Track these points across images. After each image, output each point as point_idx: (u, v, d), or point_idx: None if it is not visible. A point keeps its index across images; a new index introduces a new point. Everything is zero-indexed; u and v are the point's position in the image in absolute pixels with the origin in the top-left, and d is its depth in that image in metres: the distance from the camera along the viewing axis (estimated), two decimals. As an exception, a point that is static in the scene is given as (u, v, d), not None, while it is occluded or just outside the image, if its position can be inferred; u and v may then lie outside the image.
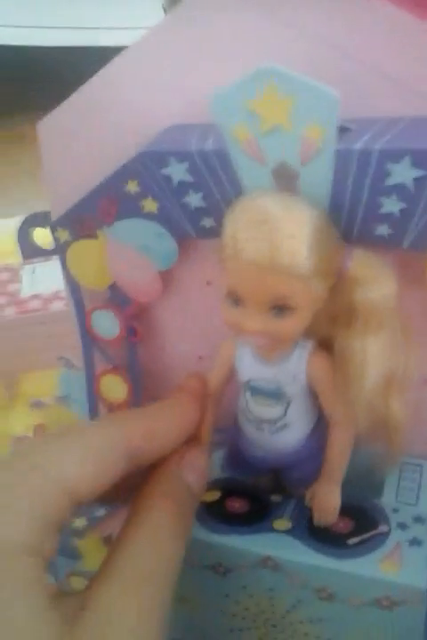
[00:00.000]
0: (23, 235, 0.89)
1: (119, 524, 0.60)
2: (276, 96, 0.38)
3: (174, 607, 0.55)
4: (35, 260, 0.89)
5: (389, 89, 0.43)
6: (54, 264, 0.87)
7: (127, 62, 0.49)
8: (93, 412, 0.61)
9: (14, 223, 0.92)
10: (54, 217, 0.53)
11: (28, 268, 0.88)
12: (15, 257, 0.91)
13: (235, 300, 0.42)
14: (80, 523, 0.60)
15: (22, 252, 0.90)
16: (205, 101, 0.42)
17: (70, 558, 0.58)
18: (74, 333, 0.66)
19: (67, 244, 0.53)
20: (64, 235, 0.52)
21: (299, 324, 0.42)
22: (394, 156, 0.39)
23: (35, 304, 0.80)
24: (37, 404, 0.67)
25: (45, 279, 0.85)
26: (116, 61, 0.49)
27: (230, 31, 0.47)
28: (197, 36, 0.48)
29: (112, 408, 0.60)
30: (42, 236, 0.91)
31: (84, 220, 0.50)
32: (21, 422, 0.75)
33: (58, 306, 0.80)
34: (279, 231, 0.39)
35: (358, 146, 0.40)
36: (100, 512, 0.61)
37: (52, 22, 1.52)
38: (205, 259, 0.52)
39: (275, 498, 0.53)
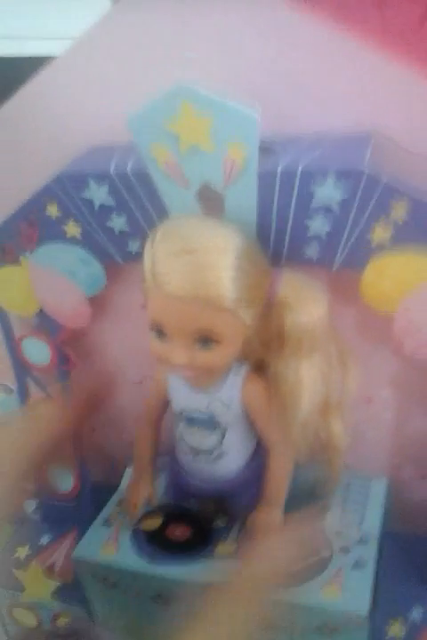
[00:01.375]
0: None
1: (62, 553, 0.57)
2: (194, 115, 0.35)
3: (122, 636, 0.53)
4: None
5: (313, 106, 0.40)
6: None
7: (54, 75, 0.45)
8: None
9: None
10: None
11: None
12: None
13: (159, 332, 0.38)
14: (22, 552, 0.57)
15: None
16: (128, 121, 0.38)
17: (12, 590, 0.55)
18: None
19: (-9, 270, 0.48)
20: (-12, 260, 0.48)
21: (227, 355, 0.39)
22: (318, 176, 0.36)
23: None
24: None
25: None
26: (43, 74, 0.45)
27: (158, 44, 0.43)
28: (125, 48, 0.44)
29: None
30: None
31: (5, 246, 0.46)
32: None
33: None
34: (201, 262, 0.36)
35: (281, 167, 0.37)
36: (44, 540, 0.58)
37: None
38: (138, 282, 0.48)
39: (219, 522, 0.50)
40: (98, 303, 0.49)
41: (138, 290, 0.49)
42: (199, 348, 0.38)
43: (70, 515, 0.58)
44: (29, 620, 0.56)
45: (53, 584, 0.53)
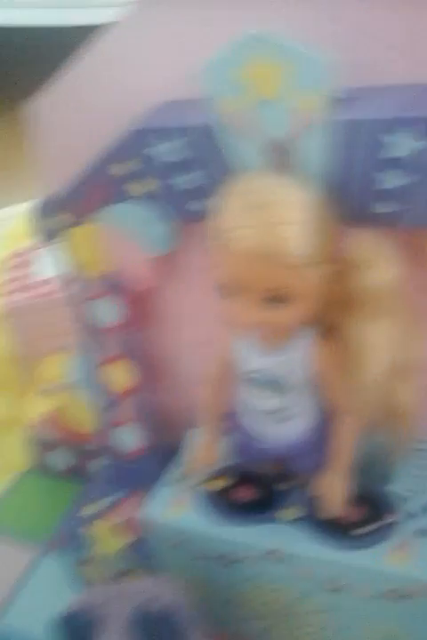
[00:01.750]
0: (36, 219, 0.85)
1: (127, 512, 0.57)
2: (265, 65, 0.34)
3: (185, 594, 0.53)
4: (47, 244, 0.85)
5: (393, 57, 0.38)
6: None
7: (115, 40, 0.45)
8: (99, 400, 0.57)
9: (26, 208, 0.89)
10: (45, 203, 0.49)
11: (38, 253, 0.84)
12: (27, 242, 0.88)
13: (228, 291, 0.38)
14: (88, 510, 0.57)
15: (38, 238, 0.86)
16: (196, 77, 0.38)
17: (81, 548, 0.56)
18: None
19: (61, 231, 0.49)
20: (56, 220, 0.48)
21: (297, 315, 0.38)
22: (393, 126, 0.34)
23: (45, 289, 0.77)
24: (48, 391, 0.64)
25: (57, 265, 0.81)
26: (104, 40, 0.45)
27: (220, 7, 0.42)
28: (185, 12, 0.43)
29: (119, 396, 0.57)
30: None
31: (75, 205, 0.46)
32: (37, 408, 0.72)
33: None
34: (273, 218, 0.35)
35: (355, 116, 0.35)
36: (109, 500, 0.59)
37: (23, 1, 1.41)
38: (202, 244, 0.47)
39: (281, 486, 0.50)
40: (165, 264, 0.49)
41: (204, 251, 0.48)
42: (269, 306, 0.37)
43: (134, 475, 0.58)
44: (96, 577, 0.57)
45: (120, 542, 0.54)
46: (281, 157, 0.37)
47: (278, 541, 0.45)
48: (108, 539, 0.54)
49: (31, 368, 0.79)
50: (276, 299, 0.37)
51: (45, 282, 0.78)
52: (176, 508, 0.49)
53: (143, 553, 0.53)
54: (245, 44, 0.33)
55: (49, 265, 0.81)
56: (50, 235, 0.49)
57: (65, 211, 0.47)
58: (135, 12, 0.44)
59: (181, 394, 0.58)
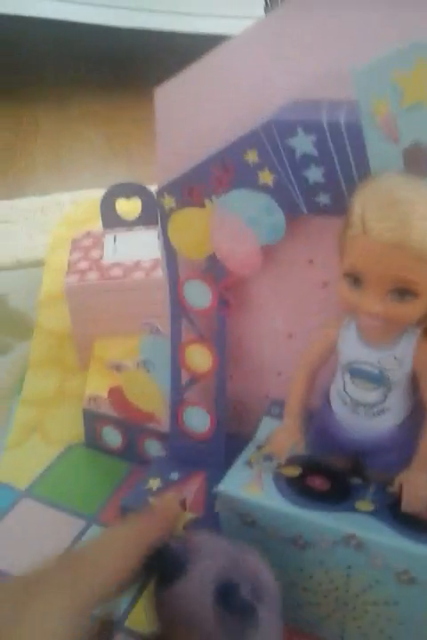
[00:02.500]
0: (106, 204, 0.87)
1: (193, 489, 0.58)
2: (423, 71, 0.35)
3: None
4: (116, 229, 0.87)
5: None
6: (135, 235, 0.85)
7: (246, 42, 0.46)
8: (176, 380, 0.58)
9: (97, 193, 0.90)
10: (161, 183, 0.50)
11: (109, 236, 0.85)
12: (96, 224, 0.89)
13: (355, 279, 0.39)
14: (154, 484, 0.58)
15: (104, 221, 0.88)
16: (324, 80, 0.39)
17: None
18: (153, 303, 0.64)
19: (171, 212, 0.50)
20: (170, 202, 0.50)
21: (419, 310, 0.40)
22: None
23: (116, 272, 0.78)
24: (116, 367, 0.65)
25: (126, 249, 0.82)
26: (235, 40, 0.47)
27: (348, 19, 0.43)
28: (313, 21, 0.44)
29: (195, 377, 0.58)
30: (124, 207, 0.88)
31: (194, 188, 0.48)
32: (95, 384, 0.73)
33: (138, 276, 0.77)
34: (409, 213, 0.37)
35: None
36: (174, 476, 0.59)
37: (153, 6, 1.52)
38: (309, 237, 0.49)
39: (355, 480, 0.51)
40: (266, 253, 0.50)
41: (307, 246, 0.50)
42: (394, 298, 0.39)
43: (200, 456, 0.59)
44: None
45: (187, 516, 0.54)
46: (418, 163, 0.39)
47: (357, 528, 0.46)
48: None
49: (89, 346, 0.79)
50: (402, 292, 0.38)
51: (113, 265, 0.79)
52: (253, 486, 0.50)
53: (208, 528, 0.54)
54: (410, 50, 0.35)
55: (117, 250, 0.83)
56: (164, 214, 0.50)
57: (186, 192, 0.48)
58: (264, 22, 0.46)
59: (255, 383, 0.59)
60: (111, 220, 0.87)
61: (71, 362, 0.84)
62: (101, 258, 0.80)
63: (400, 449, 0.47)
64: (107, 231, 0.86)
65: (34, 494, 0.68)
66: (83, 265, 0.79)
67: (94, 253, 0.81)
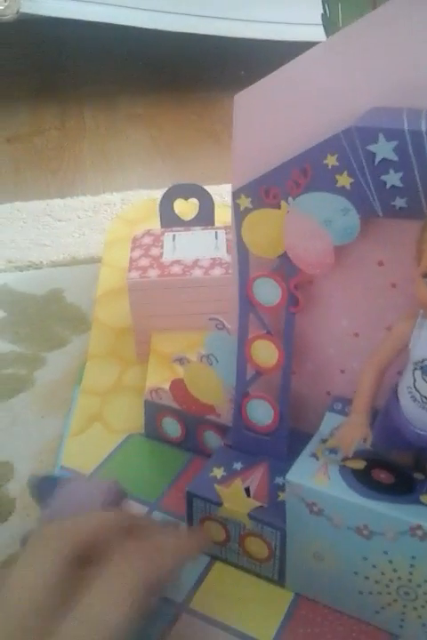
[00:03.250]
0: (165, 204, 0.89)
1: (257, 478, 0.60)
2: None
3: (305, 563, 0.55)
4: (174, 228, 0.89)
5: None
6: (193, 234, 0.87)
7: (326, 51, 0.48)
8: (241, 374, 0.60)
9: (146, 194, 0.93)
10: (237, 185, 0.52)
11: (168, 235, 0.87)
12: (149, 223, 0.92)
13: None
14: (218, 473, 0.60)
15: (162, 221, 0.90)
16: (404, 89, 0.41)
17: (210, 502, 0.58)
18: (210, 300, 0.66)
19: (246, 212, 0.52)
20: (245, 202, 0.52)
21: None
22: None
23: (176, 269, 0.80)
24: (180, 360, 0.67)
25: (185, 248, 0.85)
26: (316, 48, 0.48)
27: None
28: (397, 31, 0.46)
29: (261, 371, 0.60)
30: (181, 207, 0.91)
31: (270, 189, 0.50)
32: (156, 376, 0.75)
33: (197, 273, 0.79)
34: None
35: None
36: (237, 466, 0.61)
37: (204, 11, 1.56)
38: (379, 239, 0.51)
39: (418, 475, 0.52)
40: (336, 254, 0.52)
41: (378, 247, 0.51)
42: None
43: (263, 448, 0.61)
44: (217, 534, 0.60)
45: (253, 504, 0.56)
46: None
47: (421, 519, 0.48)
48: (238, 500, 0.57)
49: (147, 340, 0.82)
50: None
51: (173, 263, 0.82)
52: (320, 477, 0.52)
53: (272, 518, 0.56)
54: None
55: (176, 248, 0.85)
56: (237, 214, 0.52)
57: (259, 193, 0.50)
58: (346, 31, 0.47)
59: (320, 380, 0.61)
60: (169, 219, 0.89)
61: (129, 355, 0.87)
62: (161, 256, 0.83)
63: None
64: (165, 230, 0.88)
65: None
66: (144, 262, 0.81)
67: (154, 251, 0.84)
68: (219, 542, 0.60)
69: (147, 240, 0.86)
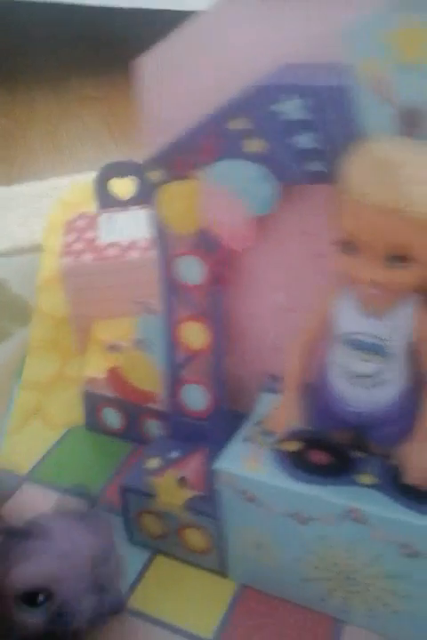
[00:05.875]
0: (100, 184, 0.84)
1: (193, 467, 0.57)
2: (418, 28, 0.33)
3: (246, 552, 0.52)
4: (111, 209, 0.84)
5: None
6: (131, 214, 0.83)
7: (233, 5, 0.44)
8: (171, 358, 0.57)
9: (87, 177, 0.88)
10: (148, 156, 0.48)
11: (104, 216, 0.83)
12: (91, 206, 0.87)
13: (349, 246, 0.37)
14: (153, 463, 0.57)
15: (99, 202, 0.85)
16: (316, 42, 0.37)
17: (145, 495, 0.55)
18: (151, 282, 0.62)
19: (158, 185, 0.48)
20: (157, 175, 0.48)
21: (416, 277, 0.38)
22: None
23: (112, 252, 0.76)
24: (114, 347, 0.63)
25: (121, 229, 0.80)
26: (221, 3, 0.44)
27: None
28: None
29: (192, 355, 0.56)
30: (118, 187, 0.86)
31: (180, 159, 0.46)
32: (95, 365, 0.71)
33: (134, 255, 0.75)
34: (403, 176, 0.35)
35: None
36: (174, 455, 0.58)
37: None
38: (301, 208, 0.47)
39: (357, 454, 0.49)
40: (257, 226, 0.48)
41: (300, 217, 0.48)
42: (389, 265, 0.37)
43: (200, 434, 0.58)
44: (155, 527, 0.56)
45: (187, 494, 0.53)
46: (414, 126, 0.36)
47: (357, 501, 0.45)
48: (173, 491, 0.54)
49: (87, 328, 0.78)
50: (398, 258, 0.36)
51: (109, 246, 0.77)
52: (252, 462, 0.49)
53: (209, 507, 0.52)
54: (400, 6, 0.33)
55: (113, 230, 0.81)
56: (152, 188, 0.48)
57: (173, 164, 0.46)
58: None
59: (255, 359, 0.57)
60: (106, 200, 0.84)
61: (71, 345, 0.83)
62: (97, 239, 0.78)
63: (402, 420, 0.45)
64: (101, 212, 0.84)
65: (36, 478, 0.67)
66: (78, 246, 0.77)
67: (89, 234, 0.79)
68: (158, 536, 0.57)
69: (81, 223, 0.82)
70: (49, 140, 1.60)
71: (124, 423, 0.70)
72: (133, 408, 0.67)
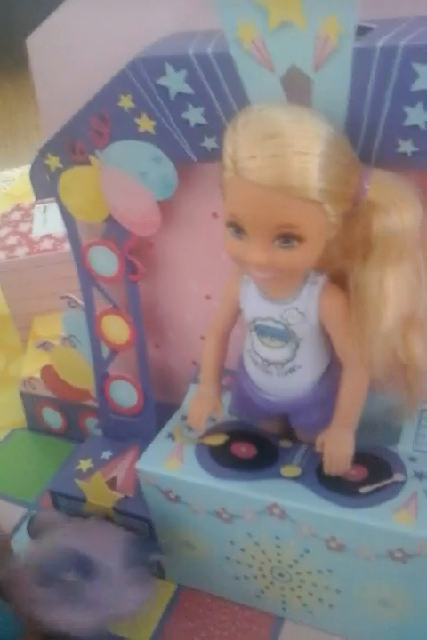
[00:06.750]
0: (37, 172, 0.81)
1: (124, 467, 0.55)
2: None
3: (180, 552, 0.50)
4: (45, 200, 0.81)
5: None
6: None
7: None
8: (97, 354, 0.54)
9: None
10: (48, 144, 0.45)
11: (39, 207, 0.80)
12: (28, 198, 0.84)
13: (237, 229, 0.35)
14: (85, 465, 0.55)
15: (35, 191, 0.82)
16: (199, 10, 0.34)
17: (74, 500, 0.53)
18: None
19: (58, 172, 0.45)
20: (55, 162, 0.45)
21: (308, 256, 0.35)
22: (422, 54, 0.31)
23: (46, 244, 0.73)
24: (44, 346, 0.61)
25: (56, 219, 0.77)
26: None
27: None
28: None
29: (115, 349, 0.54)
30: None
31: (75, 143, 0.43)
32: (31, 365, 0.69)
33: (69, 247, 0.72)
34: (288, 147, 0.32)
35: (380, 43, 0.32)
36: (106, 455, 0.56)
37: None
38: (210, 188, 0.44)
39: (284, 443, 0.47)
40: (167, 211, 0.45)
41: (209, 198, 0.45)
42: (279, 245, 0.34)
43: (132, 431, 0.56)
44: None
45: (115, 496, 0.51)
46: (299, 89, 0.34)
47: (280, 496, 0.43)
48: (101, 494, 0.52)
49: (26, 326, 0.75)
50: (287, 237, 0.34)
51: (43, 238, 0.75)
52: (173, 460, 0.46)
53: (139, 507, 0.50)
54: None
55: (48, 221, 0.78)
56: (50, 179, 0.45)
57: (65, 149, 0.43)
58: None
59: (181, 350, 0.55)
60: (43, 189, 0.81)
61: (15, 343, 0.80)
62: (31, 231, 0.76)
63: (322, 406, 0.43)
64: (38, 203, 0.81)
65: (-25, 485, 0.65)
66: (11, 240, 0.74)
67: (23, 227, 0.76)
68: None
69: (15, 216, 0.79)
70: (5, 131, 1.56)
71: (65, 422, 0.68)
72: (72, 406, 0.65)
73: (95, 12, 0.41)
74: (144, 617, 0.51)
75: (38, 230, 0.76)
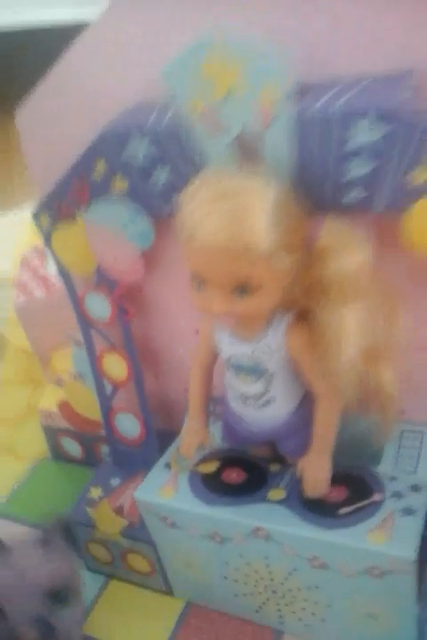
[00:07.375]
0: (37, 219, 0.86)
1: (130, 494, 0.59)
2: (226, 59, 0.34)
3: (185, 572, 0.54)
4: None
5: (349, 47, 0.38)
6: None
7: (89, 43, 0.45)
8: (100, 389, 0.59)
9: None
10: (38, 205, 0.50)
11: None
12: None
13: (198, 282, 0.38)
14: (96, 493, 0.59)
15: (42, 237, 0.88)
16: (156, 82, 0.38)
17: (85, 526, 0.57)
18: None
19: (50, 231, 0.50)
20: (46, 221, 0.49)
21: (266, 303, 0.38)
22: (356, 117, 0.34)
23: (60, 283, 0.78)
24: (58, 381, 0.66)
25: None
26: (79, 43, 0.45)
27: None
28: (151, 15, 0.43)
29: (116, 385, 0.58)
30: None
31: (61, 204, 0.47)
32: (49, 399, 0.73)
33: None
34: (235, 208, 0.35)
35: (317, 108, 0.35)
36: (114, 482, 0.60)
37: None
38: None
39: (273, 467, 0.50)
40: (151, 257, 0.49)
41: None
42: (238, 296, 0.37)
43: (138, 459, 0.60)
44: (103, 554, 0.58)
45: (122, 523, 0.55)
46: (246, 151, 0.37)
47: (264, 520, 0.46)
48: (109, 520, 0.55)
49: (46, 361, 0.80)
50: (243, 289, 0.37)
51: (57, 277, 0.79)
52: (168, 489, 0.50)
53: (142, 534, 0.54)
54: (204, 41, 0.34)
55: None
56: (44, 237, 0.50)
57: (53, 209, 0.48)
58: (109, 13, 0.44)
59: (177, 381, 0.59)
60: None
61: (40, 377, 0.85)
62: (46, 272, 0.81)
63: (300, 434, 0.45)
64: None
65: (5, 513, 0.70)
66: (29, 281, 0.79)
67: (39, 267, 0.82)
68: (107, 562, 0.59)
69: (33, 257, 0.84)
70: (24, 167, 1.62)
71: (83, 452, 0.72)
72: (88, 437, 0.69)
73: (74, 82, 0.45)
74: (154, 633, 0.55)
75: (52, 269, 0.80)
